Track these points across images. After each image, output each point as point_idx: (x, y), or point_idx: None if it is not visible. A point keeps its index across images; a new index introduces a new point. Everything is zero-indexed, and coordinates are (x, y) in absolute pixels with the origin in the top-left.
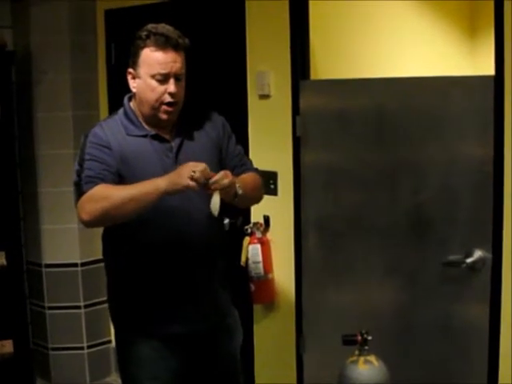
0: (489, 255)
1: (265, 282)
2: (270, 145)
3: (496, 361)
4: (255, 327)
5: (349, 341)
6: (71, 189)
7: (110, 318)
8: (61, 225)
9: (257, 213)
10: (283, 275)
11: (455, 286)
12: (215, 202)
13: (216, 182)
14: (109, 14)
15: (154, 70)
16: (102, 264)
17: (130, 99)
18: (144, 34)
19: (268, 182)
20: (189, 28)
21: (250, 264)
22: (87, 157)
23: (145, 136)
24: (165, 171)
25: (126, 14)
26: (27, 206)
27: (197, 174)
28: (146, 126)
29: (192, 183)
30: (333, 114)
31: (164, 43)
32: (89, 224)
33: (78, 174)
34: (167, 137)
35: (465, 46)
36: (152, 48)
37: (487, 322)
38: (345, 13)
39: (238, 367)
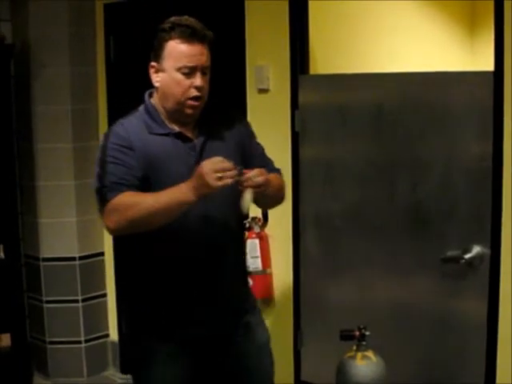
0: (487, 251)
1: (263, 277)
2: (268, 139)
3: (494, 356)
4: None
5: (347, 336)
6: (69, 182)
7: (108, 313)
8: (59, 218)
9: (255, 208)
10: (281, 270)
11: (453, 281)
12: (247, 199)
13: (250, 179)
14: (108, 7)
15: (180, 63)
16: (100, 258)
17: (150, 95)
18: (168, 25)
19: None
20: None
21: (248, 259)
22: (110, 159)
23: (167, 134)
24: (189, 171)
25: (125, 7)
26: (25, 199)
27: (224, 174)
28: (168, 124)
29: (221, 183)
30: (332, 109)
31: (190, 35)
32: (115, 232)
33: (100, 178)
34: (190, 135)
35: (465, 41)
36: (178, 40)
37: (485, 317)
38: (344, 8)
39: (264, 365)
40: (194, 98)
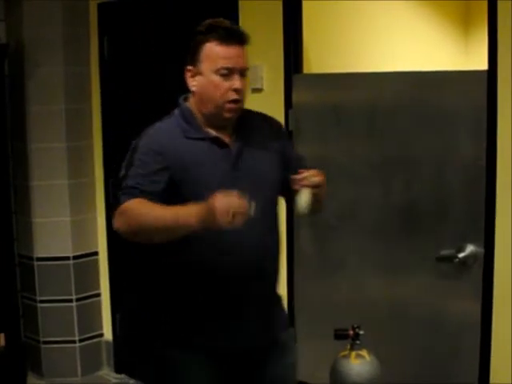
0: (481, 250)
1: None
2: None
3: (488, 355)
4: None
5: (341, 335)
6: (63, 182)
7: (102, 312)
8: (52, 218)
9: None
10: None
11: (447, 280)
12: (303, 199)
13: (305, 178)
14: (102, 7)
15: (218, 65)
16: (94, 257)
17: (185, 99)
18: (205, 28)
19: None
20: (182, 21)
21: None
22: (136, 162)
23: (203, 139)
24: (223, 178)
25: (118, 7)
26: (19, 199)
27: (235, 214)
28: (204, 129)
29: (230, 224)
30: (325, 109)
31: (228, 37)
32: (122, 235)
33: (122, 179)
34: (227, 140)
35: (459, 41)
36: (215, 42)
37: (479, 316)
38: (338, 7)
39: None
40: (233, 101)
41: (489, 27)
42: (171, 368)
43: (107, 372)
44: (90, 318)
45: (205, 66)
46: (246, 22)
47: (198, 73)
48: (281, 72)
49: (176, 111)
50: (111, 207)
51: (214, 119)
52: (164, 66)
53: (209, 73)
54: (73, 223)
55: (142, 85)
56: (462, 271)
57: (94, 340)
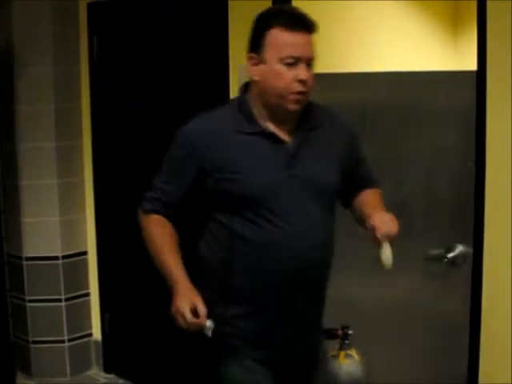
0: (470, 250)
1: None
2: None
3: (476, 355)
4: None
5: (330, 335)
6: (52, 181)
7: (91, 312)
8: (42, 217)
9: None
10: None
11: (436, 280)
12: (386, 255)
13: (384, 236)
14: (91, 6)
15: (283, 53)
16: (83, 257)
17: (245, 88)
18: (270, 13)
19: None
20: (172, 22)
21: None
22: (169, 161)
23: (258, 134)
24: (275, 177)
25: (108, 7)
26: (8, 198)
27: (185, 321)
28: (261, 122)
29: (181, 324)
30: None
31: (294, 22)
32: None
33: (157, 175)
34: (285, 137)
35: (448, 41)
36: (281, 28)
37: (468, 316)
38: (328, 8)
39: None
40: (298, 93)
41: (478, 27)
42: (221, 374)
43: (96, 372)
44: (79, 317)
45: (269, 53)
46: (235, 22)
47: (261, 61)
48: None
49: (233, 101)
50: (105, 206)
51: (277, 111)
52: (154, 65)
53: (273, 61)
54: (62, 223)
55: (132, 84)
56: (451, 271)
57: (83, 340)
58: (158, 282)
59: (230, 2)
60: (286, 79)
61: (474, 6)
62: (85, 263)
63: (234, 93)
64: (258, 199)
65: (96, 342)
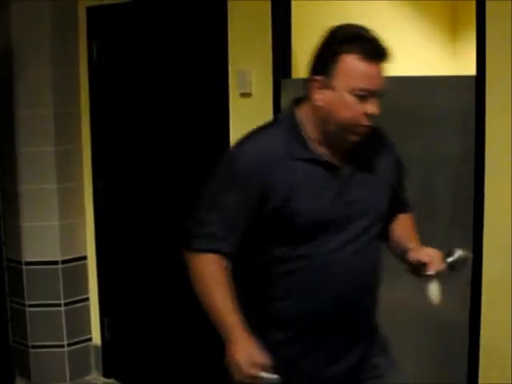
0: (469, 255)
1: None
2: None
3: (476, 359)
4: None
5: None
6: (52, 186)
7: (90, 316)
8: (41, 222)
9: None
10: None
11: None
12: (435, 292)
13: (436, 274)
14: (90, 10)
15: (356, 84)
16: (83, 262)
17: (295, 104)
18: (346, 34)
19: None
20: (171, 26)
21: None
22: (222, 192)
23: (311, 160)
24: (328, 205)
25: (107, 11)
26: (7, 203)
27: (244, 374)
28: (314, 148)
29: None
30: None
31: (373, 52)
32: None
33: (200, 210)
34: (337, 162)
35: (447, 46)
36: (358, 56)
37: (467, 320)
38: (327, 12)
39: None
40: (363, 126)
41: (477, 32)
42: None
43: (96, 376)
44: (78, 322)
45: (339, 80)
46: (234, 27)
47: (328, 86)
48: (269, 76)
49: (282, 121)
50: (104, 211)
51: (334, 139)
52: (153, 69)
53: (342, 90)
54: (61, 227)
55: (132, 88)
56: (450, 275)
57: (83, 344)
58: (157, 286)
59: (229, 6)
60: (355, 112)
61: (472, 10)
62: (84, 268)
63: (233, 97)
64: (311, 227)
65: (95, 346)
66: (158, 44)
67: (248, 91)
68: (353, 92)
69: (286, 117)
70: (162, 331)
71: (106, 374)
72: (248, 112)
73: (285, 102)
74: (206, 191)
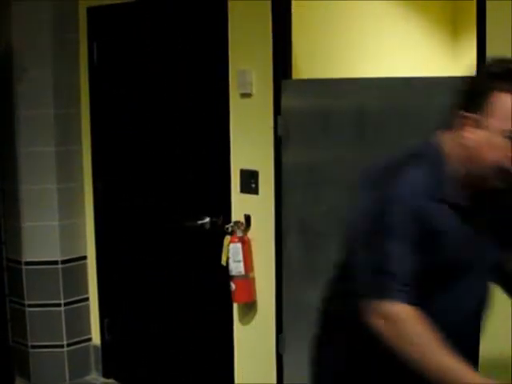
0: None
1: (245, 281)
2: (251, 144)
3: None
4: (235, 326)
5: None
6: (52, 186)
7: (90, 316)
8: (41, 222)
9: (238, 212)
10: (264, 274)
11: None
12: None
13: None
14: (91, 11)
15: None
16: (83, 262)
17: (438, 136)
18: (503, 71)
19: (249, 180)
20: (171, 26)
21: (230, 263)
22: (395, 244)
23: (454, 204)
24: (469, 252)
25: (108, 11)
26: (8, 203)
27: None
28: (459, 190)
29: None
30: (314, 114)
31: None
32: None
33: (375, 261)
34: (469, 206)
35: (447, 46)
36: None
37: None
38: (328, 13)
39: None
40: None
41: (477, 33)
42: None
43: (95, 377)
44: (78, 322)
45: (493, 121)
46: (235, 27)
47: (480, 125)
48: (270, 77)
49: (429, 155)
50: (104, 211)
51: (474, 181)
52: (154, 70)
53: (496, 131)
54: (61, 227)
55: (132, 90)
56: None
57: (82, 345)
58: (156, 287)
59: (229, 7)
60: (505, 156)
61: (472, 10)
62: (84, 268)
63: (233, 97)
64: (453, 273)
65: (95, 346)
66: (159, 44)
67: (248, 91)
68: (505, 134)
69: (431, 153)
70: (161, 331)
71: (105, 374)
72: (248, 112)
73: (285, 102)
74: (381, 238)
